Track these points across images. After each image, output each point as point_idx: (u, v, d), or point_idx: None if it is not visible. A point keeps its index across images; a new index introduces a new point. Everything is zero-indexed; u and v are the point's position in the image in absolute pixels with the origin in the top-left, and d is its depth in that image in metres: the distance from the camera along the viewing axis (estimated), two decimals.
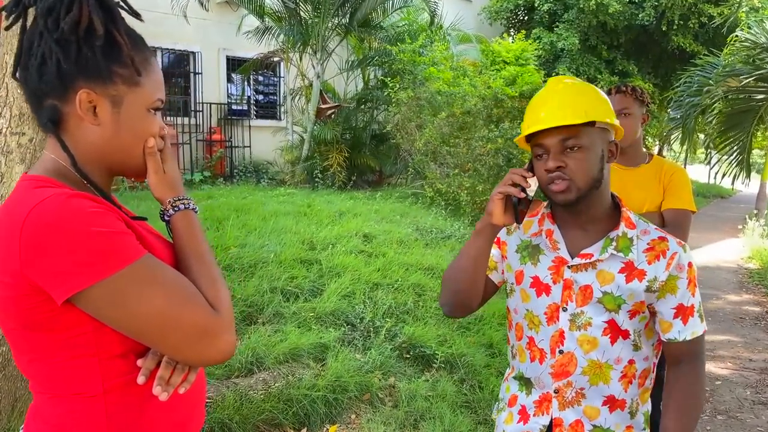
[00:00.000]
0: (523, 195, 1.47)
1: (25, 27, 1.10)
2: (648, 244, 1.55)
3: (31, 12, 1.09)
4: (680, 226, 2.63)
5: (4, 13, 1.11)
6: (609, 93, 2.79)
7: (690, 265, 1.54)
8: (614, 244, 1.54)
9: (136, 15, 1.20)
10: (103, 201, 1.07)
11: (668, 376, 1.60)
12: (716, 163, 7.66)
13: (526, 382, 1.66)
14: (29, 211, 0.98)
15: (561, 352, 1.57)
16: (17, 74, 1.12)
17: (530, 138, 1.55)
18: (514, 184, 1.47)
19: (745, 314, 7.08)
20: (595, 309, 1.54)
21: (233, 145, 13.11)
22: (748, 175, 7.20)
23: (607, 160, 1.55)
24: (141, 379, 1.07)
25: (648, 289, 1.52)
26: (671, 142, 12.45)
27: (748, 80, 6.03)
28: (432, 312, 4.94)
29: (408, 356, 4.33)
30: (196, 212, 1.23)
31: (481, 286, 1.63)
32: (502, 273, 1.72)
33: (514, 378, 1.71)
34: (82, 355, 1.05)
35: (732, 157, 6.74)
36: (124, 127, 1.12)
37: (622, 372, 1.55)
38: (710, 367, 5.19)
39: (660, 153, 23.42)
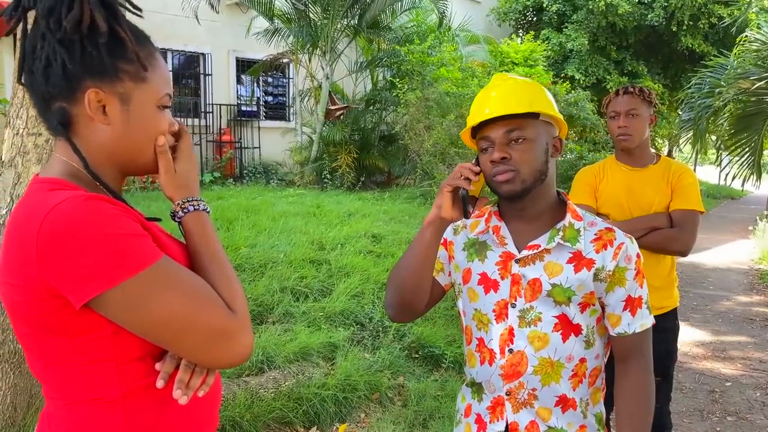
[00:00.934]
0: (471, 187, 1.48)
1: (26, 30, 1.08)
2: (595, 234, 1.53)
3: (31, 15, 1.07)
4: (688, 227, 2.64)
5: (4, 17, 1.09)
6: (617, 94, 2.80)
7: (638, 256, 1.53)
8: (561, 234, 1.52)
9: (138, 12, 1.19)
10: (119, 202, 1.06)
11: (617, 376, 1.58)
12: (727, 164, 7.63)
13: (477, 388, 1.60)
14: (46, 214, 0.96)
15: (511, 351, 1.51)
16: (23, 79, 1.09)
17: (476, 134, 1.55)
18: (462, 176, 1.47)
19: (755, 315, 7.05)
20: (544, 303, 1.50)
21: (243, 146, 13.18)
22: (759, 177, 7.17)
23: (552, 154, 1.54)
24: (160, 383, 1.06)
25: (596, 278, 1.50)
26: (681, 144, 12.39)
27: (759, 83, 6.01)
28: (440, 312, 4.96)
29: (417, 356, 4.35)
30: (208, 213, 1.21)
31: (427, 287, 1.58)
32: (449, 275, 1.68)
33: (467, 386, 1.65)
34: (99, 360, 1.04)
35: (743, 159, 6.70)
36: (135, 125, 1.10)
37: (572, 371, 1.52)
38: (720, 367, 5.19)
39: (669, 154, 23.34)
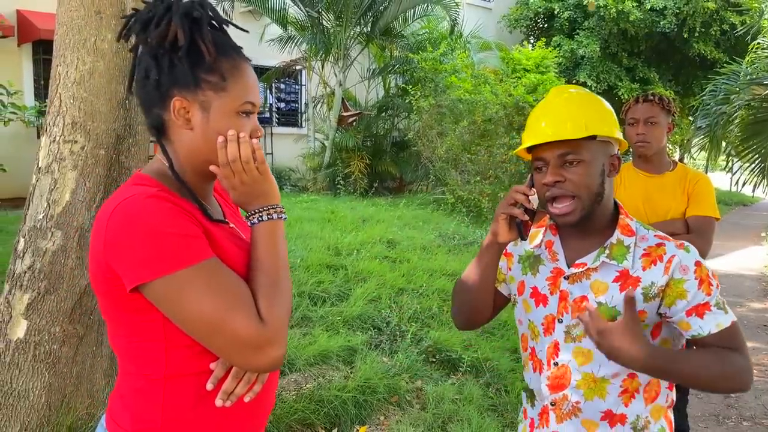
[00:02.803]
0: (526, 217, 1.47)
1: (137, 45, 1.21)
2: (644, 250, 1.49)
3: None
4: (704, 233, 2.68)
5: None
6: (636, 101, 2.85)
7: (698, 264, 1.45)
8: (607, 251, 1.50)
9: (229, 24, 1.29)
10: (184, 202, 1.16)
11: None
12: (737, 171, 7.63)
13: (530, 394, 1.65)
14: (117, 205, 1.09)
15: (556, 364, 1.54)
16: (132, 88, 1.23)
17: (531, 149, 1.53)
18: (517, 204, 1.47)
19: None
20: None
21: None
22: None
23: (608, 174, 1.51)
24: (209, 386, 1.16)
25: (645, 297, 1.45)
26: (692, 151, 12.38)
27: None
28: None
29: (434, 360, 4.40)
30: (282, 219, 1.25)
31: (490, 300, 1.64)
32: (509, 284, 1.73)
33: (524, 390, 1.71)
34: (152, 339, 1.14)
35: (754, 165, 6.72)
36: (213, 131, 1.18)
37: (621, 386, 1.49)
38: None
39: (681, 161, 23.26)
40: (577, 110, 1.48)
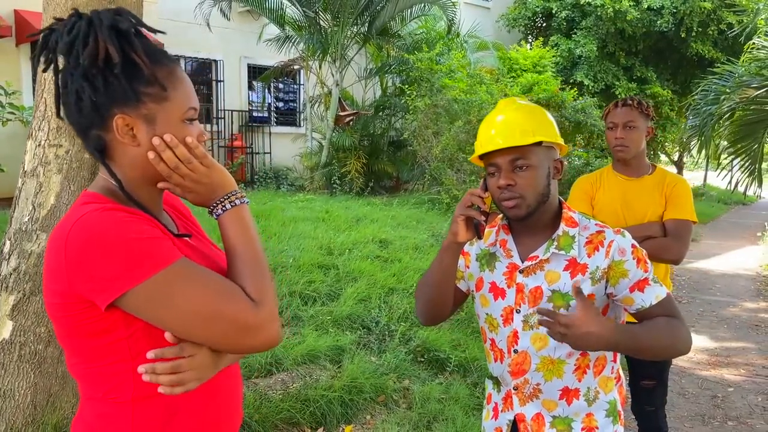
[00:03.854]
0: (482, 218, 1.60)
1: (57, 68, 1.15)
2: (587, 238, 1.65)
3: None
4: (681, 236, 2.71)
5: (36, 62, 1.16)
6: (616, 106, 2.88)
7: (633, 246, 1.63)
8: (555, 243, 1.65)
9: (158, 32, 1.26)
10: (140, 213, 1.14)
11: None
12: (728, 172, 7.66)
13: (495, 381, 1.80)
14: (71, 227, 1.05)
15: (516, 351, 1.69)
16: (61, 113, 1.16)
17: (484, 156, 1.68)
18: (473, 205, 1.59)
19: (761, 322, 7.07)
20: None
21: (254, 151, 13.34)
22: (760, 185, 7.21)
23: (553, 176, 1.67)
24: (146, 377, 1.10)
25: (593, 281, 1.61)
26: (691, 149, 12.41)
27: (760, 91, 6.06)
28: None
29: (422, 360, 4.44)
30: (245, 204, 1.23)
31: (450, 297, 1.76)
32: (468, 281, 1.86)
33: (488, 377, 1.86)
34: (117, 361, 1.11)
35: (744, 166, 6.75)
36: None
37: (575, 365, 1.66)
38: (723, 373, 5.24)
39: (680, 159, 23.26)
40: (523, 119, 1.64)
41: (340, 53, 11.82)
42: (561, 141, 1.69)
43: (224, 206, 1.21)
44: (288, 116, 14.92)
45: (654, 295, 1.62)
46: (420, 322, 1.88)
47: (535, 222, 1.68)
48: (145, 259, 1.04)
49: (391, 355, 4.27)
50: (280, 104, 14.97)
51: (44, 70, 1.15)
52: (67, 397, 2.75)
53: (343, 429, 3.54)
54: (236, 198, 1.22)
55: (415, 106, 10.76)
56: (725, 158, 7.93)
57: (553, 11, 16.56)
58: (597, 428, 1.69)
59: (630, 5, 15.00)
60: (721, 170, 7.54)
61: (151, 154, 1.14)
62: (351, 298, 4.97)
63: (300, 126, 14.45)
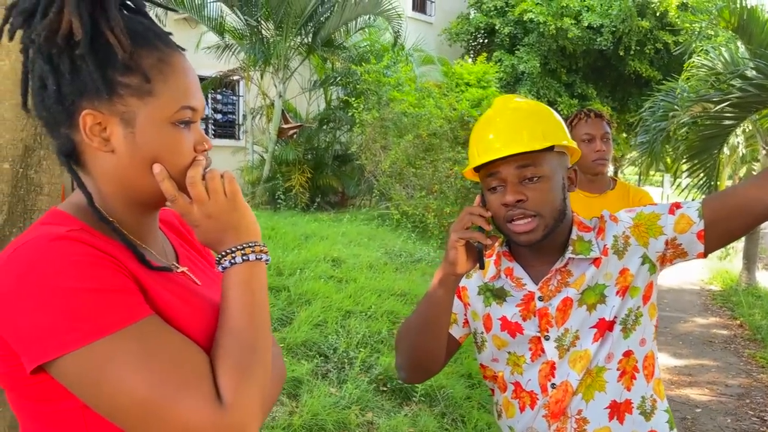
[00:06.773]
0: (489, 241, 1.27)
1: (26, 45, 0.87)
2: (598, 234, 1.43)
3: None
4: None
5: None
6: (587, 117, 2.78)
7: (614, 214, 1.45)
8: (571, 248, 1.38)
9: (167, 8, 1.02)
10: (111, 244, 0.86)
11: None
12: (676, 187, 7.75)
13: None
14: (12, 252, 0.80)
15: (554, 385, 1.36)
16: (27, 104, 0.90)
17: (480, 166, 1.35)
18: (473, 226, 1.27)
19: (713, 337, 7.09)
20: (579, 317, 1.35)
21: None
22: None
23: (568, 188, 1.39)
24: None
25: (617, 254, 1.38)
26: (638, 164, 12.70)
27: (720, 106, 6.07)
28: None
29: (385, 389, 4.11)
30: (264, 262, 0.94)
31: (443, 344, 1.40)
32: (465, 325, 1.50)
33: None
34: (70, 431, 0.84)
35: (699, 182, 6.77)
36: (143, 151, 0.87)
37: (618, 369, 1.34)
38: (689, 393, 5.13)
39: (615, 175, 23.90)
40: (530, 119, 1.33)
41: (283, 64, 11.44)
42: (574, 145, 1.39)
43: (234, 258, 0.91)
44: (227, 128, 14.44)
45: (694, 206, 1.36)
46: (399, 377, 1.48)
47: (546, 246, 1.36)
48: (85, 320, 0.76)
49: (352, 386, 3.92)
50: (218, 116, 14.46)
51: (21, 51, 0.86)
52: None
53: None
54: (253, 252, 0.92)
55: (362, 120, 10.49)
56: (683, 172, 7.99)
57: (497, 27, 16.68)
58: None
59: (571, 23, 15.25)
60: (677, 187, 7.59)
61: (156, 168, 0.87)
62: (305, 322, 4.58)
63: (239, 139, 13.98)
